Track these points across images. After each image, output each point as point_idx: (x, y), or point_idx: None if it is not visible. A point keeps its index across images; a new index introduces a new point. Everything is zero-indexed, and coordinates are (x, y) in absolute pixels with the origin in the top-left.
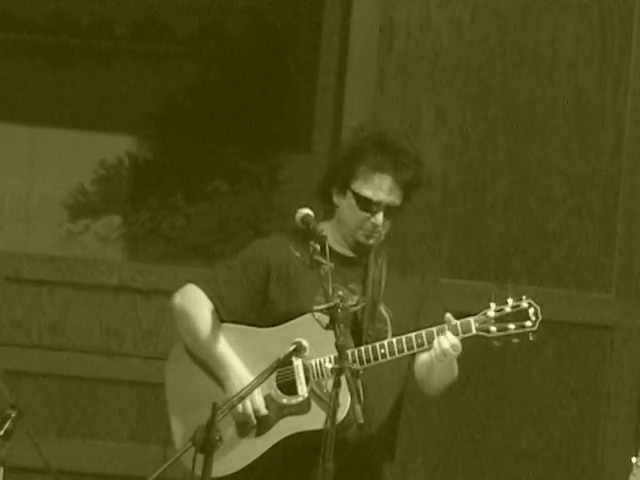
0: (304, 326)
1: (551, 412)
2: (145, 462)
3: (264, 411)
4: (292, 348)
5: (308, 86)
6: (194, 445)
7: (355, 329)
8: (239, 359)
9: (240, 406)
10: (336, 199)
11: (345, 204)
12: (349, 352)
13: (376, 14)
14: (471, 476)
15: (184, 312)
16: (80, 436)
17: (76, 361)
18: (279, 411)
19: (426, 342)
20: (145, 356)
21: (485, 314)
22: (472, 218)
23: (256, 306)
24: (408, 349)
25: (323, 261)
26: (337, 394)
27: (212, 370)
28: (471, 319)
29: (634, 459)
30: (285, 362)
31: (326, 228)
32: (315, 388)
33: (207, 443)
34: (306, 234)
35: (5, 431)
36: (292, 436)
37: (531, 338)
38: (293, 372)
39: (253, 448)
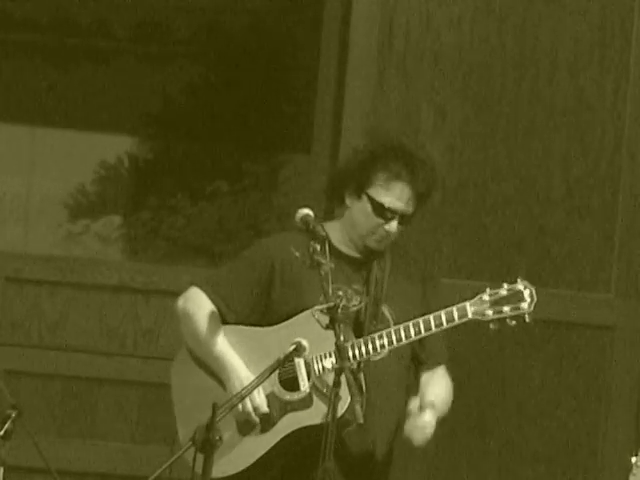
0: (303, 324)
1: (551, 412)
2: (145, 462)
3: (265, 409)
4: (292, 348)
5: (308, 86)
6: (194, 445)
7: (357, 329)
8: (240, 359)
9: (240, 405)
10: (348, 201)
11: (359, 208)
12: (349, 345)
13: (376, 14)
14: (471, 476)
15: (186, 315)
16: (80, 436)
17: (76, 361)
18: (282, 408)
19: (423, 330)
20: (145, 356)
21: (480, 298)
22: (472, 218)
23: (260, 306)
24: (406, 337)
25: (323, 261)
26: (337, 394)
27: (214, 371)
28: (467, 303)
29: (634, 459)
30: (285, 362)
31: (333, 227)
32: (317, 383)
33: (207, 443)
34: (306, 234)
35: (5, 431)
36: (295, 435)
37: (527, 320)
38: (295, 368)
39: (258, 445)
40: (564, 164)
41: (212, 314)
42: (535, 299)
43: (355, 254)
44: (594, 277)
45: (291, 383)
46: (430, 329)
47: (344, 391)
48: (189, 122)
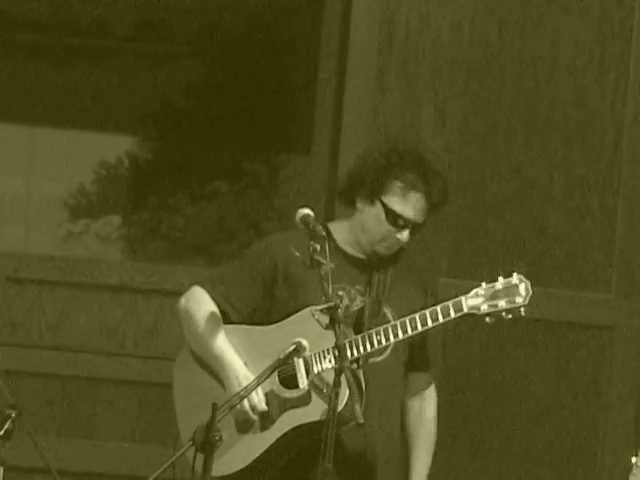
0: (303, 323)
1: (551, 412)
2: (145, 462)
3: (263, 406)
4: (292, 348)
5: (308, 86)
6: (194, 445)
7: (358, 329)
8: (240, 358)
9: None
10: (360, 205)
11: (372, 213)
12: (346, 342)
13: (376, 14)
14: (471, 476)
15: (188, 314)
16: (80, 436)
17: (76, 361)
18: (281, 405)
19: (420, 325)
20: (145, 356)
21: (476, 292)
22: (472, 218)
23: (263, 305)
24: (403, 333)
25: (323, 261)
26: (337, 394)
27: (214, 370)
28: (462, 298)
29: (634, 459)
30: (285, 362)
31: (339, 228)
32: (315, 381)
33: (207, 443)
34: (306, 234)
35: (5, 431)
36: (294, 433)
37: (522, 313)
38: (294, 366)
39: (257, 443)
40: (564, 164)
41: (213, 313)
42: (530, 293)
43: (360, 255)
44: (594, 277)
45: (290, 381)
46: (426, 324)
47: (342, 389)
48: (189, 122)
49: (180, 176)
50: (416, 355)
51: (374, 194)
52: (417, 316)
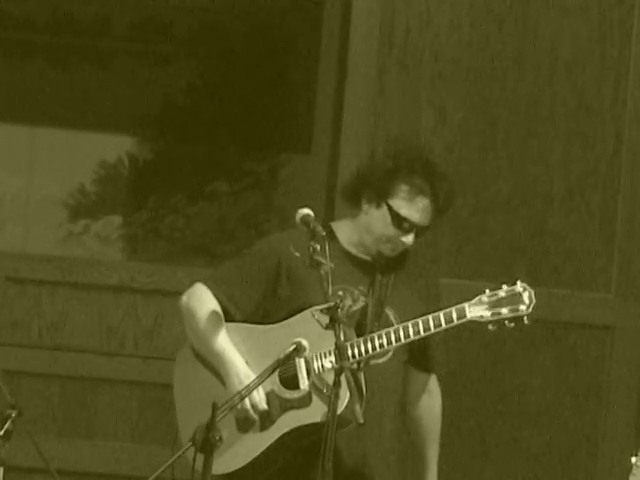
0: (304, 323)
1: (551, 412)
2: (145, 462)
3: (263, 406)
4: (292, 348)
5: (308, 86)
6: (194, 445)
7: (360, 330)
8: (241, 357)
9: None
10: (366, 207)
11: (378, 216)
12: (348, 344)
13: (376, 14)
14: (471, 476)
15: (189, 311)
16: (80, 436)
17: (76, 361)
18: (282, 406)
19: (422, 330)
20: (145, 356)
21: (479, 299)
22: (472, 218)
23: (265, 304)
24: (405, 337)
25: (323, 261)
26: (337, 394)
27: (215, 368)
28: (465, 304)
29: (634, 459)
30: (285, 362)
31: (342, 228)
32: (316, 381)
33: (207, 443)
34: (306, 234)
35: (5, 431)
36: (294, 433)
37: (526, 322)
38: (295, 367)
39: (257, 443)
40: (564, 164)
41: (215, 311)
42: (534, 301)
43: (364, 256)
44: (594, 277)
45: (291, 381)
46: (429, 329)
47: (343, 390)
48: (189, 122)
49: (180, 176)
50: (419, 356)
51: (380, 197)
52: (420, 321)
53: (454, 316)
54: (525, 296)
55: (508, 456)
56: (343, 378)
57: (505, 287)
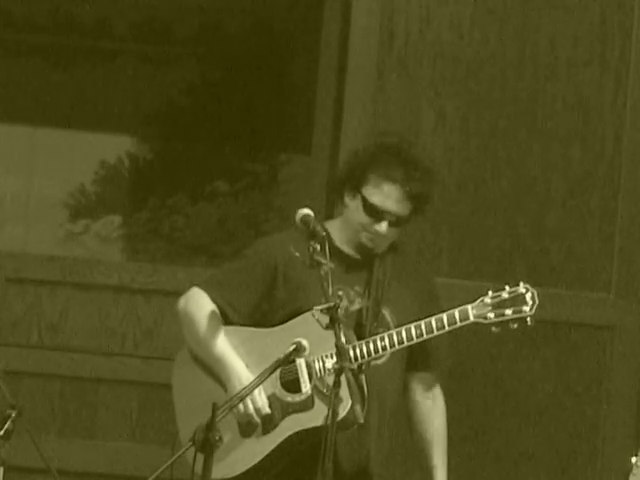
0: (304, 325)
1: (551, 412)
2: (145, 462)
3: (266, 410)
4: (292, 348)
5: (308, 86)
6: (194, 445)
7: (358, 331)
8: (241, 360)
9: (241, 406)
10: (347, 199)
11: (353, 206)
12: (350, 347)
13: (376, 14)
14: (471, 476)
15: (187, 316)
16: (80, 436)
17: (76, 361)
18: (284, 409)
19: (425, 333)
20: (145, 356)
21: (482, 301)
22: (472, 218)
23: (263, 306)
24: (407, 340)
25: (323, 261)
26: (337, 395)
27: (215, 372)
28: (468, 306)
29: (634, 459)
30: (285, 362)
31: (334, 226)
32: (318, 384)
33: (207, 443)
34: (306, 234)
35: (5, 431)
36: (296, 437)
37: (529, 323)
38: (296, 370)
39: (260, 447)
40: (564, 164)
41: (213, 315)
42: (537, 302)
43: (356, 255)
44: (594, 277)
45: (292, 385)
46: (432, 331)
47: (345, 393)
48: (189, 122)
49: (180, 176)
50: (418, 355)
51: (356, 188)
52: (422, 323)
53: (457, 318)
54: (528, 297)
55: (508, 456)
56: (343, 378)
57: (508, 288)
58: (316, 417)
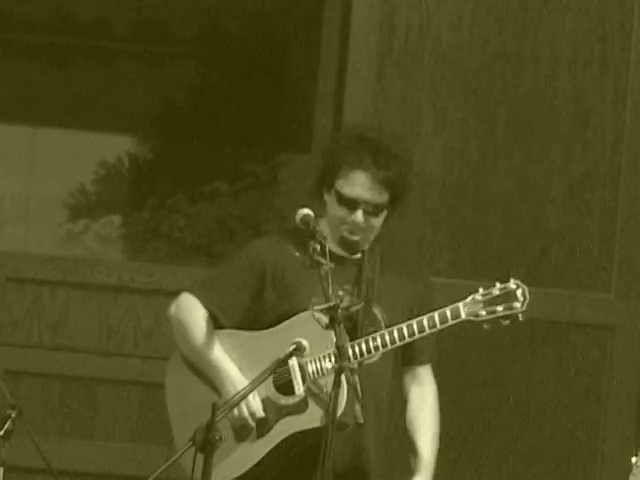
0: (300, 326)
1: (551, 412)
2: (145, 462)
3: (261, 413)
4: (292, 348)
5: (308, 86)
6: (194, 445)
7: (350, 330)
8: (235, 365)
9: (236, 410)
10: (325, 197)
11: (330, 201)
12: (349, 346)
13: (376, 14)
14: (471, 476)
15: (179, 322)
16: (80, 436)
17: (76, 361)
18: (278, 412)
19: (417, 332)
20: (145, 356)
21: (473, 298)
22: (471, 218)
23: (252, 310)
24: (400, 339)
25: (323, 261)
26: (337, 394)
27: (209, 378)
28: (460, 304)
29: (634, 459)
30: (285, 362)
31: (323, 226)
32: (312, 386)
33: (207, 443)
34: (305, 234)
35: (5, 431)
36: (291, 440)
37: (520, 319)
38: (289, 372)
39: (255, 451)
40: (564, 164)
41: (205, 320)
42: (528, 298)
43: (343, 252)
44: (594, 277)
45: (286, 388)
46: (424, 330)
47: (341, 393)
48: (189, 122)
49: (180, 176)
50: (405, 350)
51: (330, 183)
52: (414, 322)
53: (449, 316)
54: (519, 293)
55: (509, 456)
56: (343, 378)
57: (498, 285)
58: (310, 419)
